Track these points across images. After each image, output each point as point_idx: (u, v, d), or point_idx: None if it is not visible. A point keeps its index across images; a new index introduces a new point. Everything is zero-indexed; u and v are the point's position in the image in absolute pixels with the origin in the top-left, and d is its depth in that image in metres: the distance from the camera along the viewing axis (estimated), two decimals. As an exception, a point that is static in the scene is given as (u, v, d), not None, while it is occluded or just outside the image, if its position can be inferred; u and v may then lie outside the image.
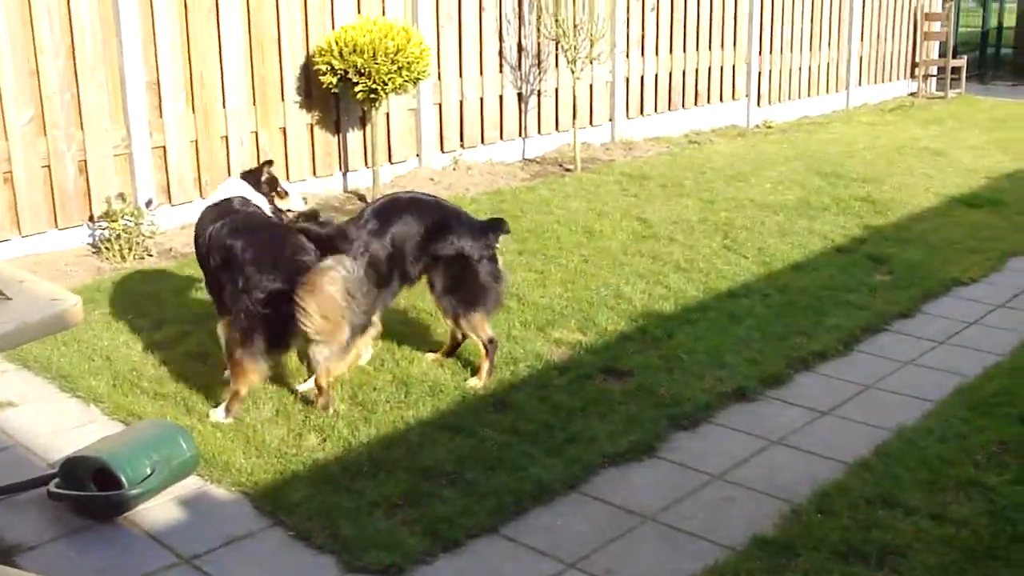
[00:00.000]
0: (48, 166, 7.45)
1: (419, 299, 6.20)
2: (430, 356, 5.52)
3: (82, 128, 7.58)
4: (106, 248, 7.38)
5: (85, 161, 7.60)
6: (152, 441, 4.17)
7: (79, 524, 4.00)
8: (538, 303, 6.34)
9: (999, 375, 5.36)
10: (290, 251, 4.77)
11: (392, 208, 5.33)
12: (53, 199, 7.50)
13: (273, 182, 5.42)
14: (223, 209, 5.07)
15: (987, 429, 4.69)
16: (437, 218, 5.30)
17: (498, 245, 5.35)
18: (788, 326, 5.99)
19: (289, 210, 5.44)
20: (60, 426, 4.84)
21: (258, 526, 4.00)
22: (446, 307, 5.29)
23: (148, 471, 4.04)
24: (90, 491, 4.02)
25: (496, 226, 5.35)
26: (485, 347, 5.28)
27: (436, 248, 5.23)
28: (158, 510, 4.11)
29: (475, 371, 5.31)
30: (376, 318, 5.04)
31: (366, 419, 4.81)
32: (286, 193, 5.49)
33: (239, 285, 4.67)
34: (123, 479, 3.97)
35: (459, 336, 5.43)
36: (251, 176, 5.38)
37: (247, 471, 4.34)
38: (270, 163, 5.55)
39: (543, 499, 4.17)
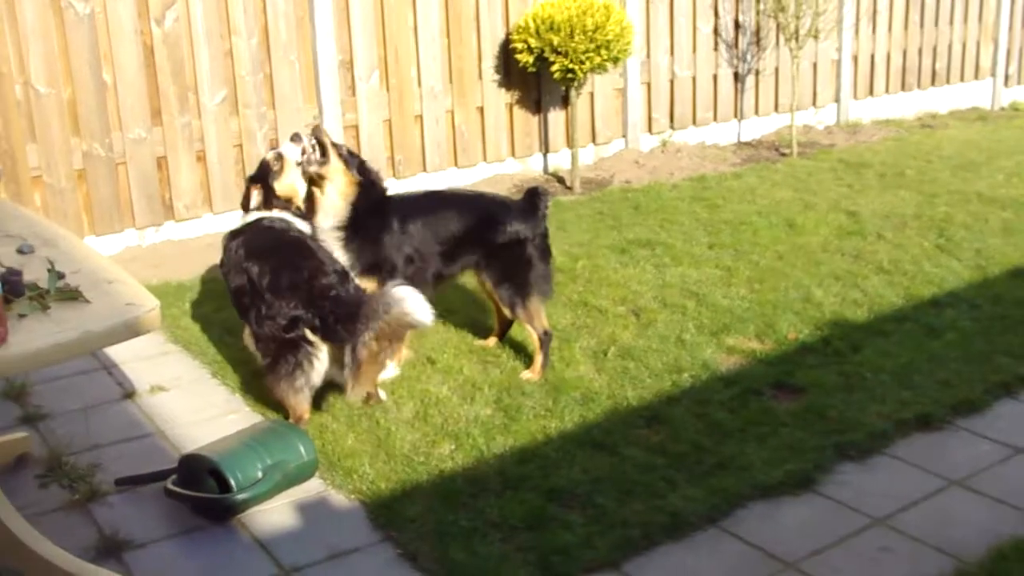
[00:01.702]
0: (240, 145, 7.51)
1: (592, 294, 5.92)
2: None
3: (274, 107, 7.60)
4: (292, 228, 7.36)
5: (277, 140, 7.60)
6: (269, 444, 4.02)
7: (192, 524, 3.91)
8: (718, 304, 5.89)
9: None
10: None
11: (429, 203, 5.26)
12: (244, 178, 7.53)
13: None
14: None
15: None
16: (482, 209, 5.15)
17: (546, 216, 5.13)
18: (994, 343, 5.31)
19: None
20: (202, 415, 4.79)
21: (367, 541, 3.79)
22: (503, 296, 5.09)
23: (259, 475, 3.91)
24: (209, 489, 3.92)
25: (540, 198, 5.08)
26: (540, 338, 5.07)
27: (488, 237, 5.04)
28: (273, 514, 3.98)
29: (529, 363, 5.12)
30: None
31: (505, 427, 4.54)
32: None
33: None
34: (232, 482, 3.84)
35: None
36: None
37: (369, 478, 4.14)
38: None
39: (676, 533, 3.77)
